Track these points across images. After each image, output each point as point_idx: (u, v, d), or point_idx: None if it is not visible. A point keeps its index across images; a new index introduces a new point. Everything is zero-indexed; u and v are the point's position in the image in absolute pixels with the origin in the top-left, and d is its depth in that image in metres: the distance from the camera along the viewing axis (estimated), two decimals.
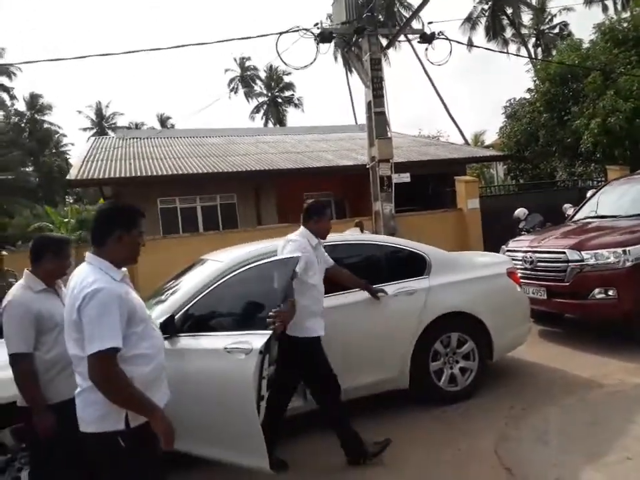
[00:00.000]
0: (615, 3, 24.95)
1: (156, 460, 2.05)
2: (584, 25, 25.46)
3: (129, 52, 12.69)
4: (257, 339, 2.85)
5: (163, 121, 43.39)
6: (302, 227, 3.54)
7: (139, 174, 13.03)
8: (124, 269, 2.14)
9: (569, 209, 9.05)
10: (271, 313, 2.96)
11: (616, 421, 3.47)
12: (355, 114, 30.97)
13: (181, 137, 19.66)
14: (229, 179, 13.99)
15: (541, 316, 6.34)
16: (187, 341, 3.17)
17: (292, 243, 3.38)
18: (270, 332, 2.90)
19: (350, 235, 6.11)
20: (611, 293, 5.08)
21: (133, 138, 18.55)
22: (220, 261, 4.01)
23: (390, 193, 9.95)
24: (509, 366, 4.97)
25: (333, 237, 4.51)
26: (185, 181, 13.47)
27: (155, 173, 13.19)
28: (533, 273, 5.72)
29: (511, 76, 45.39)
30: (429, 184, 14.88)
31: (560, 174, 16.28)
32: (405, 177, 11.28)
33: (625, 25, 15.25)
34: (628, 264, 5.05)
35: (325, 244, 3.74)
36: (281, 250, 3.43)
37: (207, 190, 14.25)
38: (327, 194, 17.46)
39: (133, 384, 1.91)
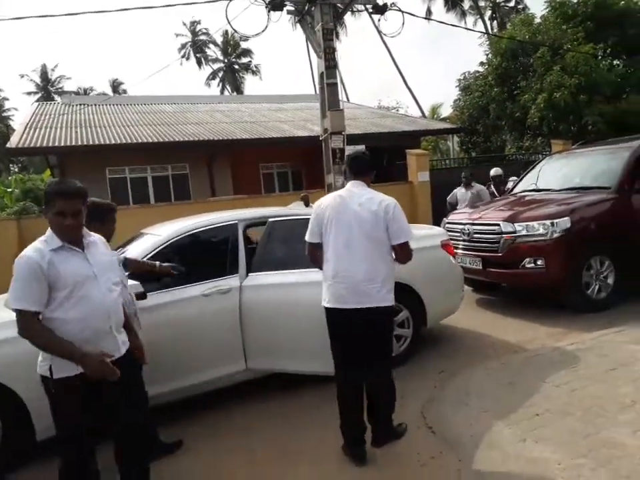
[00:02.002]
0: None
1: (80, 411, 2.28)
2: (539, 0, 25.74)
3: (71, 14, 11.91)
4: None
5: (116, 86, 41.67)
6: None
7: (85, 142, 12.57)
8: (93, 236, 2.43)
9: (511, 181, 9.33)
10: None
11: (530, 381, 3.75)
12: (314, 83, 30.62)
13: (131, 104, 18.99)
14: (181, 148, 13.70)
15: (477, 285, 6.68)
16: None
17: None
18: None
19: (293, 208, 6.16)
20: (539, 262, 5.39)
21: (81, 104, 17.77)
22: (158, 234, 4.03)
23: (342, 165, 10.01)
24: (444, 333, 5.24)
25: (267, 211, 4.52)
26: (135, 150, 13.10)
27: (103, 142, 12.75)
28: (470, 244, 5.98)
29: (471, 48, 45.67)
30: (384, 156, 15.01)
31: (509, 147, 16.74)
32: (360, 149, 11.40)
33: (575, 0, 15.58)
34: (555, 235, 5.35)
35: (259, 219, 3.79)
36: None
37: (159, 160, 13.92)
38: (284, 165, 17.38)
39: (53, 336, 2.19)
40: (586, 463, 2.63)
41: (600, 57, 15.04)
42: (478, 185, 8.69)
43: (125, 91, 38.92)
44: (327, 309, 3.04)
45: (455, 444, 3.05)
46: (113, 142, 12.80)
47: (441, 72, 68.45)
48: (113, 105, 18.62)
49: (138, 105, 18.87)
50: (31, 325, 2.20)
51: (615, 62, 15.79)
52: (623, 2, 15.13)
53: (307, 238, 3.14)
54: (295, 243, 4.16)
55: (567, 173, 6.78)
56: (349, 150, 10.57)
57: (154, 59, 75.49)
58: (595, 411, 3.17)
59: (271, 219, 4.22)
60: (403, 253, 3.00)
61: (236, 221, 4.25)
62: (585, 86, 13.36)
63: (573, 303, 5.51)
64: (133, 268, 3.36)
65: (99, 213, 2.91)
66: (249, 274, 4.01)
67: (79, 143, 12.43)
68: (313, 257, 3.18)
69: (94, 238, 2.47)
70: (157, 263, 3.57)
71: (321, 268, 3.14)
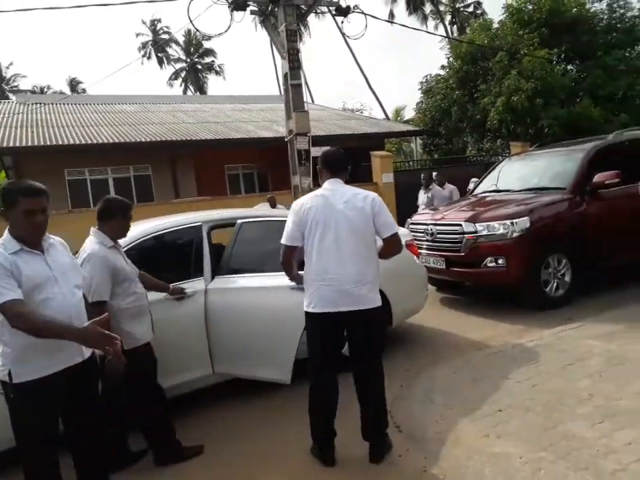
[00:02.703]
0: None
1: (42, 415, 2.22)
2: (496, 4, 26.49)
3: (23, 10, 11.39)
4: None
5: (74, 85, 40.45)
6: None
7: (42, 143, 12.15)
8: (52, 239, 2.37)
9: (473, 182, 9.58)
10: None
11: (493, 378, 3.85)
12: (279, 84, 30.54)
13: (90, 104, 18.48)
14: (143, 149, 13.41)
15: (441, 284, 6.80)
16: None
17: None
18: None
19: (259, 210, 6.12)
20: (500, 261, 5.53)
21: (37, 103, 17.16)
22: None
23: (308, 166, 10.01)
24: (409, 332, 5.31)
25: (231, 213, 4.47)
26: (95, 151, 12.75)
27: (61, 142, 12.35)
28: (433, 244, 6.09)
29: (434, 51, 46.50)
30: (349, 157, 15.11)
31: (470, 149, 17.13)
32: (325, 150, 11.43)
33: (530, 7, 16.09)
34: (515, 235, 5.51)
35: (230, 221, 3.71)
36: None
37: (120, 161, 13.58)
38: (249, 166, 17.25)
39: (46, 317, 2.13)
40: (546, 456, 2.71)
41: (554, 62, 15.58)
42: (450, 185, 8.79)
43: (83, 90, 37.83)
44: (313, 313, 2.87)
45: (421, 441, 3.10)
46: (72, 142, 12.42)
47: (405, 74, 69.51)
48: (71, 104, 18.08)
49: (97, 104, 18.38)
50: (21, 312, 2.08)
51: (568, 67, 16.39)
52: (575, 9, 15.72)
53: (284, 241, 2.94)
54: (263, 246, 4.14)
55: (525, 174, 6.99)
56: (315, 151, 10.60)
57: (114, 57, 73.69)
58: (554, 405, 3.28)
59: (240, 221, 4.17)
60: (393, 245, 2.93)
61: (200, 223, 4.18)
62: (540, 90, 13.81)
63: (532, 300, 5.69)
64: (146, 285, 3.32)
65: (120, 207, 3.06)
66: (216, 277, 3.96)
67: (36, 143, 12.01)
68: (288, 261, 2.99)
69: (53, 240, 2.40)
70: (171, 285, 3.63)
71: (290, 274, 3.06)
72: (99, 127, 14.52)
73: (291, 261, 3.02)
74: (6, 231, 2.26)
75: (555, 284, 5.71)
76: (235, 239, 4.09)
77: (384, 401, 2.98)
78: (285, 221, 4.00)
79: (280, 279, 3.41)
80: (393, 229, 2.91)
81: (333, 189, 2.93)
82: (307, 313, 2.93)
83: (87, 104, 18.42)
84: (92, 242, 2.96)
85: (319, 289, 2.84)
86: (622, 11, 15.80)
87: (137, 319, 3.03)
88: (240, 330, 3.74)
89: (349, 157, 3.13)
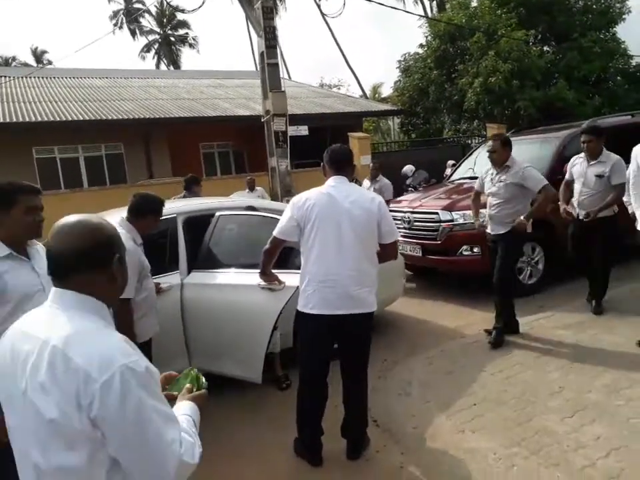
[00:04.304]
0: None
1: None
2: None
3: None
4: None
5: (38, 56, 38.75)
6: None
7: (8, 119, 11.68)
8: (38, 244, 2.23)
9: (450, 165, 9.66)
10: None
11: (468, 370, 3.93)
12: (255, 59, 29.89)
13: (58, 77, 17.80)
14: (114, 127, 13.03)
15: (418, 272, 6.87)
16: None
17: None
18: None
19: (235, 199, 6.00)
20: (476, 250, 5.60)
21: (1, 76, 16.44)
22: None
23: (285, 148, 9.86)
24: (387, 320, 5.36)
25: (207, 204, 4.37)
26: (64, 128, 12.32)
27: (28, 119, 11.89)
28: (410, 232, 6.12)
29: (413, 28, 46.04)
30: (327, 136, 14.99)
31: (447, 130, 17.17)
32: (303, 130, 11.25)
33: None
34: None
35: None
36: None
37: (90, 139, 13.20)
38: (226, 144, 16.96)
39: None
40: (519, 452, 2.80)
41: (531, 43, 15.61)
42: (384, 179, 8.08)
43: (49, 62, 36.28)
44: (311, 315, 2.78)
45: (398, 437, 3.16)
46: (40, 119, 11.98)
47: (384, 50, 68.73)
48: (38, 77, 17.37)
49: (66, 78, 17.72)
50: None
51: (544, 48, 16.44)
52: None
53: (276, 233, 2.83)
54: (241, 240, 4.09)
55: None
56: (292, 131, 10.45)
57: (82, 24, 70.82)
58: (526, 398, 3.37)
59: (218, 213, 4.08)
60: (391, 251, 2.93)
61: (174, 215, 4.10)
62: (517, 71, 13.85)
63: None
64: None
65: (155, 205, 3.08)
66: (193, 271, 3.90)
67: (1, 120, 11.54)
68: (272, 254, 2.92)
69: (37, 246, 2.28)
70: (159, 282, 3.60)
71: (265, 270, 3.02)
72: (67, 103, 14.02)
73: (274, 255, 2.96)
74: None
75: (529, 272, 5.82)
76: (213, 232, 4.02)
77: (367, 402, 3.02)
78: (264, 216, 4.00)
79: (255, 276, 3.37)
80: (395, 235, 2.91)
81: (338, 187, 2.82)
82: (303, 314, 2.82)
83: (55, 77, 17.74)
84: (124, 236, 2.79)
85: (319, 291, 2.75)
86: None
87: (149, 312, 3.08)
88: (215, 326, 3.71)
89: (352, 154, 3.08)
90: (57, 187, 11.61)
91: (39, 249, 2.27)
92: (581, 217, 4.72)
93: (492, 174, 4.58)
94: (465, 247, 5.63)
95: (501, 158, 4.43)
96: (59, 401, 1.10)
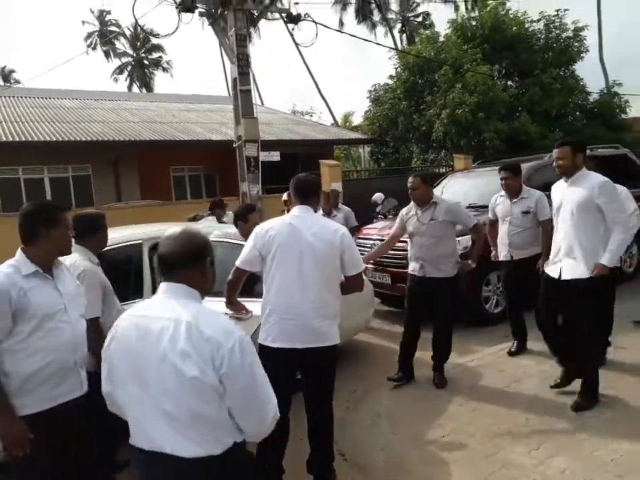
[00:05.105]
0: (465, 1, 27.18)
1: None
2: (445, 15, 27.37)
3: None
4: None
5: (6, 75, 38.12)
6: None
7: None
8: (63, 264, 2.31)
9: (380, 200, 9.88)
10: None
11: (436, 400, 3.93)
12: (228, 84, 30.12)
13: (27, 97, 17.50)
14: (83, 148, 12.83)
15: (388, 299, 6.89)
16: None
17: None
18: None
19: (206, 226, 5.94)
20: None
21: None
22: None
23: (257, 174, 9.89)
24: (356, 349, 5.34)
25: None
26: (30, 148, 12.06)
27: None
28: (379, 260, 6.15)
29: (383, 59, 47.25)
30: (299, 163, 15.12)
31: (415, 159, 17.53)
32: (275, 156, 11.31)
33: (474, 23, 16.69)
34: (459, 252, 5.65)
35: None
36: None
37: (58, 160, 12.94)
38: (197, 168, 16.87)
39: None
40: None
41: (496, 78, 16.22)
42: (345, 207, 7.62)
43: (17, 81, 35.67)
44: (271, 348, 2.70)
45: (367, 470, 3.12)
46: (4, 139, 11.70)
47: (355, 80, 70.33)
48: (5, 97, 17.03)
49: (35, 98, 17.44)
50: None
51: (508, 83, 17.10)
52: (515, 28, 16.43)
53: (238, 263, 2.82)
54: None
55: (467, 191, 7.22)
56: (264, 156, 10.50)
57: (54, 45, 70.12)
58: (493, 430, 3.38)
59: None
60: (354, 283, 2.86)
61: (140, 241, 4.03)
62: (483, 104, 14.33)
63: (473, 316, 5.86)
64: None
65: (93, 223, 3.03)
66: None
67: None
68: (235, 284, 2.88)
69: (62, 266, 2.31)
70: None
71: (230, 299, 2.97)
72: (35, 123, 13.78)
73: (238, 286, 2.93)
74: (19, 253, 2.17)
75: (495, 300, 5.92)
76: None
77: (332, 435, 2.97)
78: (232, 243, 3.97)
79: (220, 305, 3.31)
80: (359, 267, 2.85)
81: (302, 217, 2.79)
82: (262, 346, 2.72)
83: (22, 97, 17.42)
84: (80, 258, 2.87)
85: (280, 323, 2.72)
86: (557, 31, 16.65)
87: None
88: None
89: (320, 184, 3.06)
90: (18, 209, 11.27)
91: (63, 269, 2.32)
92: (512, 257, 4.68)
93: (416, 213, 4.31)
94: None
95: (424, 196, 4.24)
96: (198, 362, 1.47)
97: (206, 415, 1.51)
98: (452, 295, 4.28)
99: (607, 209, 3.34)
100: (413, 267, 4.38)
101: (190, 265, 1.63)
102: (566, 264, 3.49)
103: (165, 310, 1.57)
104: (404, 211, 4.53)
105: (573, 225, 3.44)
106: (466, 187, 7.31)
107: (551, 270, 3.64)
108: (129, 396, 1.60)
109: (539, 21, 16.68)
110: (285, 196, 7.89)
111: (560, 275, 3.52)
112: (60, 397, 2.14)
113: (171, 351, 1.49)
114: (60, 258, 2.32)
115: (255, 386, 1.56)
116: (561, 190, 3.64)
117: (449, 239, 4.27)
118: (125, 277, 3.93)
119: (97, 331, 2.68)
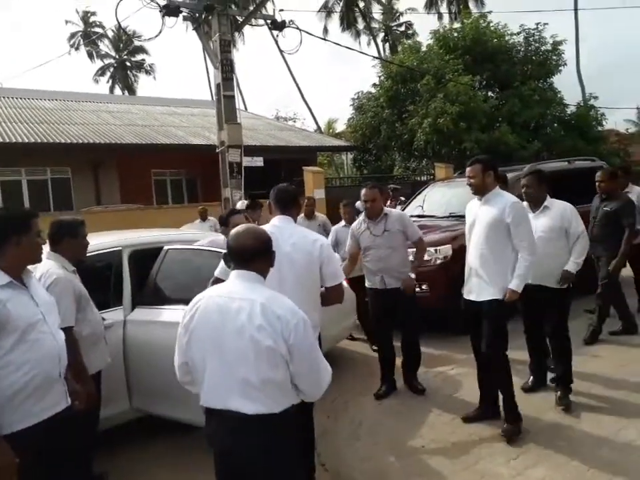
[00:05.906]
0: (449, 12, 27.62)
1: None
2: (428, 25, 27.72)
3: None
4: None
5: None
6: None
7: None
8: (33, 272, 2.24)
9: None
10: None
11: (416, 410, 3.94)
12: (211, 89, 29.99)
13: (5, 97, 17.15)
14: (62, 150, 12.63)
15: None
16: None
17: None
18: None
19: (186, 232, 5.89)
20: (424, 287, 5.69)
21: None
22: None
23: (240, 179, 9.87)
24: (338, 358, 5.32)
25: (156, 236, 4.27)
26: (7, 149, 11.83)
27: None
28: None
29: (368, 67, 47.61)
30: (282, 169, 15.11)
31: (397, 167, 17.70)
32: (258, 161, 11.29)
33: (456, 34, 16.97)
34: (438, 261, 5.72)
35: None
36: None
37: (35, 162, 12.71)
38: (178, 172, 16.73)
39: None
40: None
41: (477, 89, 16.49)
42: (320, 215, 7.28)
43: None
44: None
45: None
46: None
47: (339, 86, 70.59)
48: None
49: (13, 98, 17.11)
50: None
51: (489, 94, 17.41)
52: (495, 40, 16.76)
53: (217, 274, 2.79)
54: (189, 275, 3.96)
55: (449, 200, 7.28)
56: (247, 162, 10.46)
57: (36, 45, 69.03)
58: (473, 439, 3.40)
59: (166, 247, 3.97)
60: (334, 294, 2.83)
61: (120, 248, 3.96)
62: (464, 114, 14.55)
63: (455, 325, 5.89)
64: None
65: (69, 228, 2.92)
66: (137, 307, 3.76)
67: None
68: None
69: (32, 274, 2.23)
70: None
71: None
72: (13, 124, 13.53)
73: None
74: None
75: None
76: (160, 267, 3.90)
77: (314, 448, 2.96)
78: (214, 250, 3.92)
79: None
80: (338, 278, 2.83)
81: (282, 228, 2.77)
82: None
83: (1, 97, 17.07)
84: (53, 266, 2.79)
85: None
86: (537, 44, 17.04)
87: (94, 345, 2.97)
88: (157, 367, 3.52)
89: (299, 194, 3.05)
90: None
91: (34, 277, 2.25)
92: None
93: (368, 226, 4.26)
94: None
95: (378, 208, 4.26)
96: (272, 334, 1.82)
97: (274, 378, 1.84)
98: (414, 303, 4.33)
99: (513, 231, 3.30)
100: (372, 282, 4.34)
101: (262, 255, 2.00)
102: (476, 284, 3.47)
103: (241, 292, 1.91)
104: (354, 226, 4.48)
105: (483, 244, 3.39)
106: (447, 197, 7.38)
107: (465, 291, 3.62)
108: (205, 363, 1.90)
109: (518, 34, 17.05)
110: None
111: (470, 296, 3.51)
112: (45, 411, 2.07)
113: (249, 325, 1.82)
114: (31, 266, 2.24)
115: (314, 354, 1.92)
116: (475, 208, 3.57)
117: (402, 248, 4.30)
118: (104, 285, 3.86)
119: (70, 341, 2.58)
